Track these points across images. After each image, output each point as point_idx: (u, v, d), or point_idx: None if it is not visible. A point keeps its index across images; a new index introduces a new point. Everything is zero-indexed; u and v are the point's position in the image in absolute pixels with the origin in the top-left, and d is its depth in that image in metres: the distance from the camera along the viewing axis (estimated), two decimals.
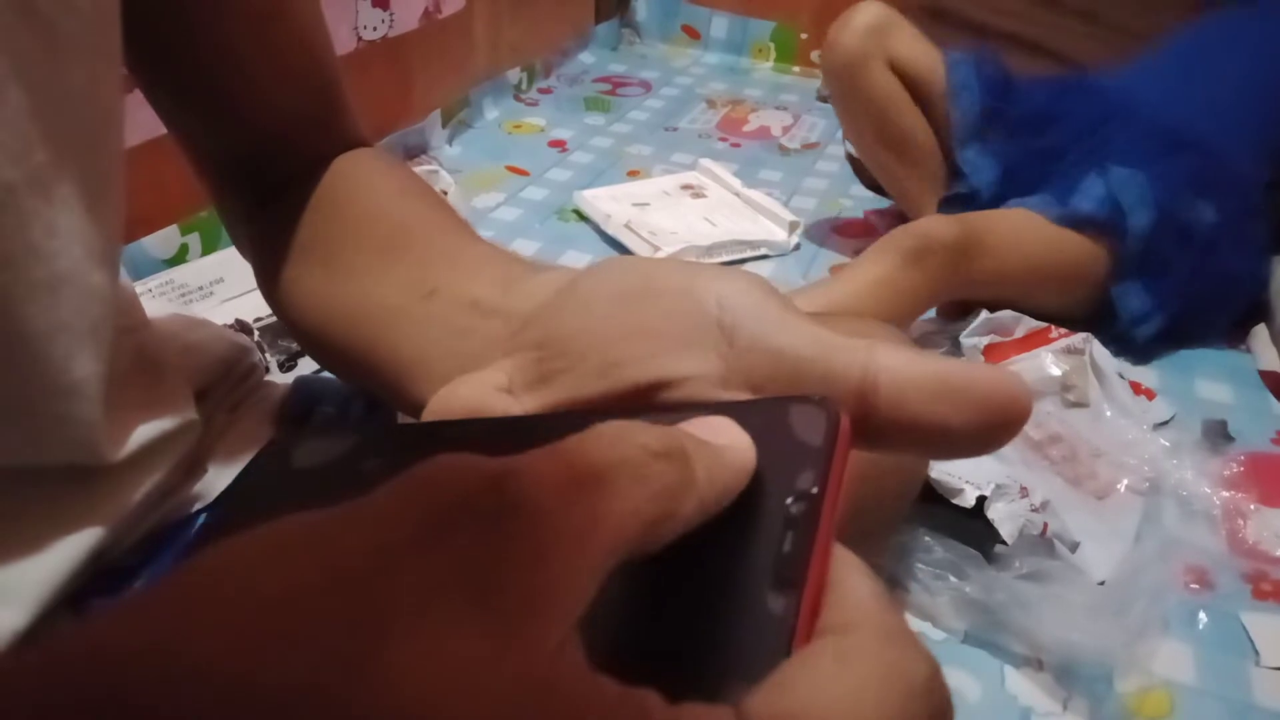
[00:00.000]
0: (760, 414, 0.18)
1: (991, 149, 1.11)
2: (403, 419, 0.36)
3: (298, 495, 0.21)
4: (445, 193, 1.12)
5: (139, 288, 1.01)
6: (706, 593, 0.17)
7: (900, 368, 0.18)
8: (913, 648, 0.16)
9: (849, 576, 0.17)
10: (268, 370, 0.52)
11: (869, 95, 1.10)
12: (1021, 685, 0.66)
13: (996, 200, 1.07)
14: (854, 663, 0.15)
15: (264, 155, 0.39)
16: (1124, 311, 1.00)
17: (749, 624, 0.16)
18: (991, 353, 0.90)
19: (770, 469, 0.17)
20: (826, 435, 0.17)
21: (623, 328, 0.21)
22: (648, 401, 0.20)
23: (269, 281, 0.39)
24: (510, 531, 0.13)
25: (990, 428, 0.17)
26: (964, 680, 0.67)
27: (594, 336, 0.21)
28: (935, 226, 0.93)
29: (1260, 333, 1.06)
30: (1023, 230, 1.00)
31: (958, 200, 1.11)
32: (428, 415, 0.23)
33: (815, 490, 0.17)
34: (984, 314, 0.92)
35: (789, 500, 0.17)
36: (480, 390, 0.23)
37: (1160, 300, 0.99)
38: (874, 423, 0.18)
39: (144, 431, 0.34)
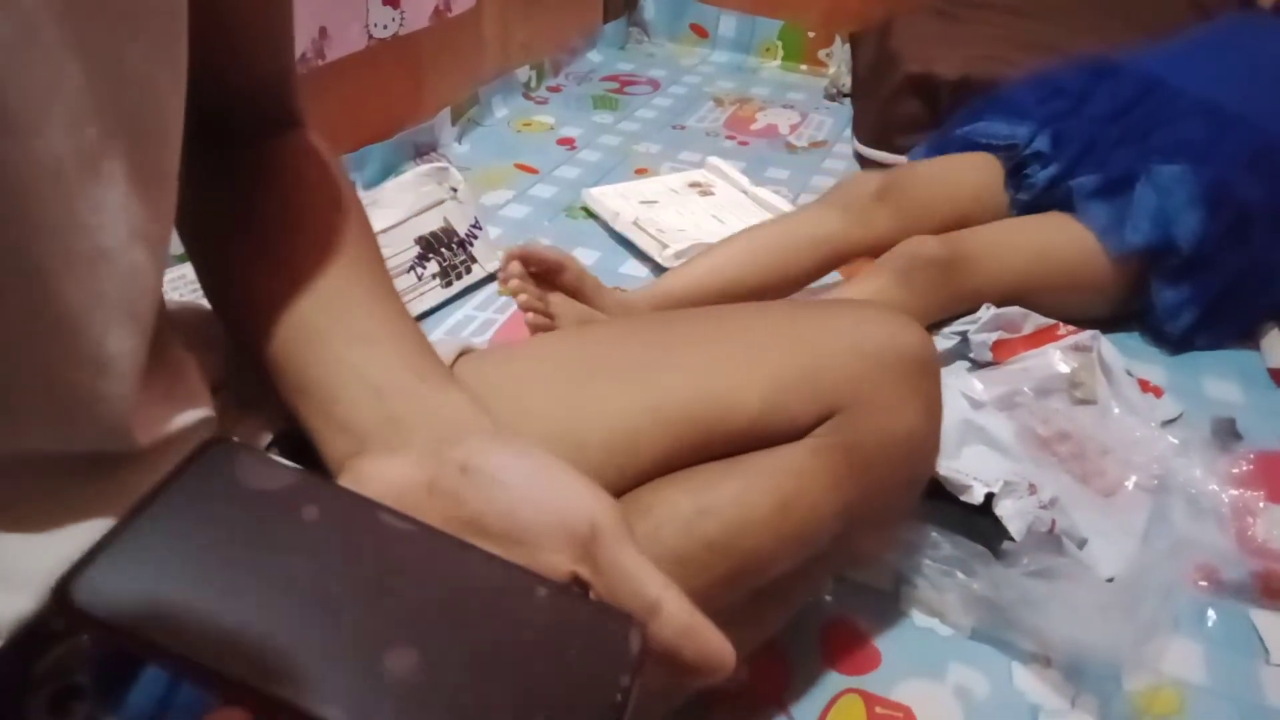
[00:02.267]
0: (605, 616, 0.26)
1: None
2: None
3: (238, 516, 0.25)
4: (455, 190, 1.12)
5: None
6: None
7: (661, 630, 0.27)
8: None
9: None
10: None
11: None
12: (1029, 682, 0.66)
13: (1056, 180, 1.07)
14: None
15: (209, 123, 0.39)
16: (1160, 305, 1.01)
17: None
18: (1000, 349, 0.89)
19: (599, 656, 0.24)
20: (640, 651, 0.25)
21: (521, 522, 0.28)
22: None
23: (198, 252, 0.39)
24: None
25: (687, 677, 0.27)
26: (972, 677, 0.67)
27: (501, 519, 0.28)
28: (922, 246, 0.98)
29: (1271, 330, 1.06)
30: (1013, 247, 1.01)
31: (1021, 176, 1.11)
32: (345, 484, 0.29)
33: (630, 688, 0.24)
34: (991, 309, 0.91)
35: (616, 694, 0.23)
36: (394, 490, 0.28)
37: (1197, 291, 1.00)
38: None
39: (165, 425, 0.34)
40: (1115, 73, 1.14)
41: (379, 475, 0.29)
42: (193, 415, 0.36)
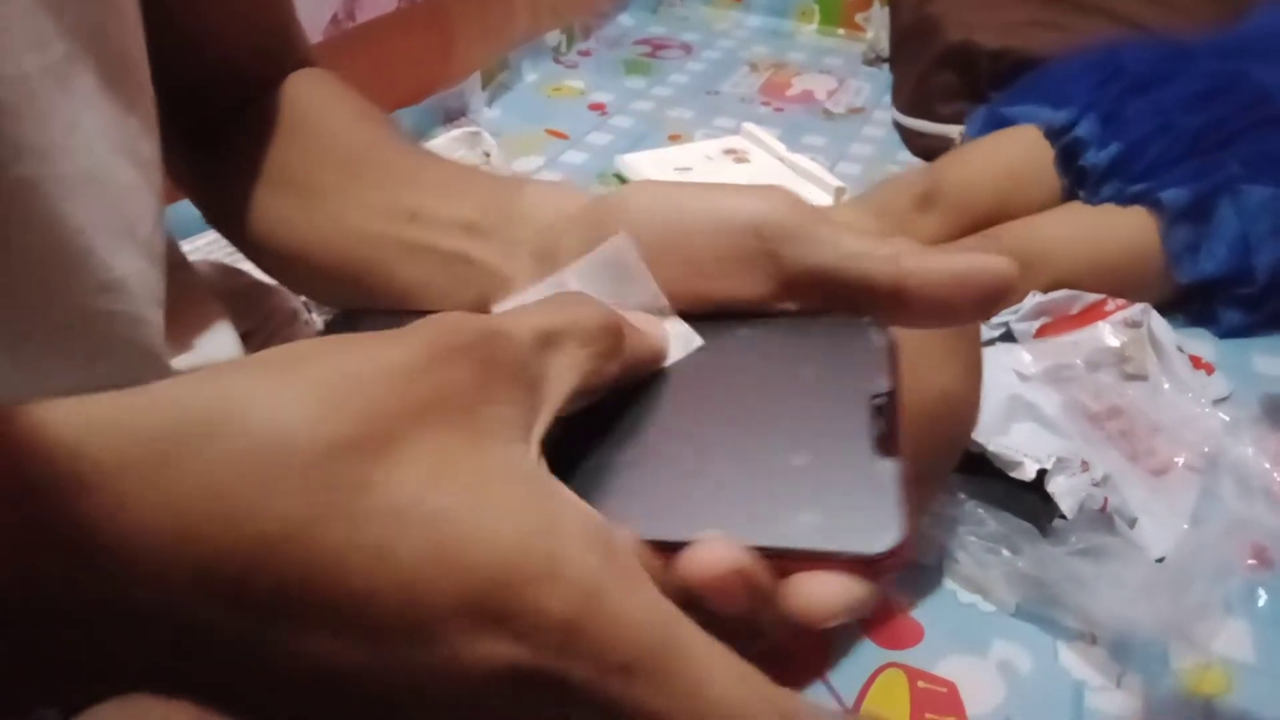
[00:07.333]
0: (824, 330, 0.23)
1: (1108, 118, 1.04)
2: None
3: None
4: (488, 155, 1.11)
5: (185, 246, 1.02)
6: (801, 457, 0.21)
7: (921, 268, 0.23)
8: None
9: None
10: (307, 325, 0.52)
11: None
12: (1074, 659, 0.66)
13: (1118, 164, 1.01)
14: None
15: (211, 82, 0.38)
16: (1223, 325, 0.98)
17: (861, 480, 0.20)
18: (1046, 332, 0.87)
19: (844, 374, 0.22)
20: (887, 345, 0.23)
21: (672, 262, 0.24)
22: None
23: (227, 212, 0.37)
24: (491, 375, 0.18)
25: (988, 305, 0.23)
26: (1015, 652, 0.66)
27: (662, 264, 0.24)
28: (968, 249, 0.94)
29: None
30: (1068, 252, 0.95)
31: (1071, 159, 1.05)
32: None
33: (892, 388, 0.22)
34: (1036, 296, 0.89)
35: (873, 397, 0.22)
36: None
37: (1265, 316, 0.97)
38: (903, 313, 0.23)
39: (195, 358, 0.34)
40: (1190, 56, 1.07)
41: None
42: (222, 354, 0.36)
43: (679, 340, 0.24)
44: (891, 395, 0.22)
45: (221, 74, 0.38)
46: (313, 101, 0.38)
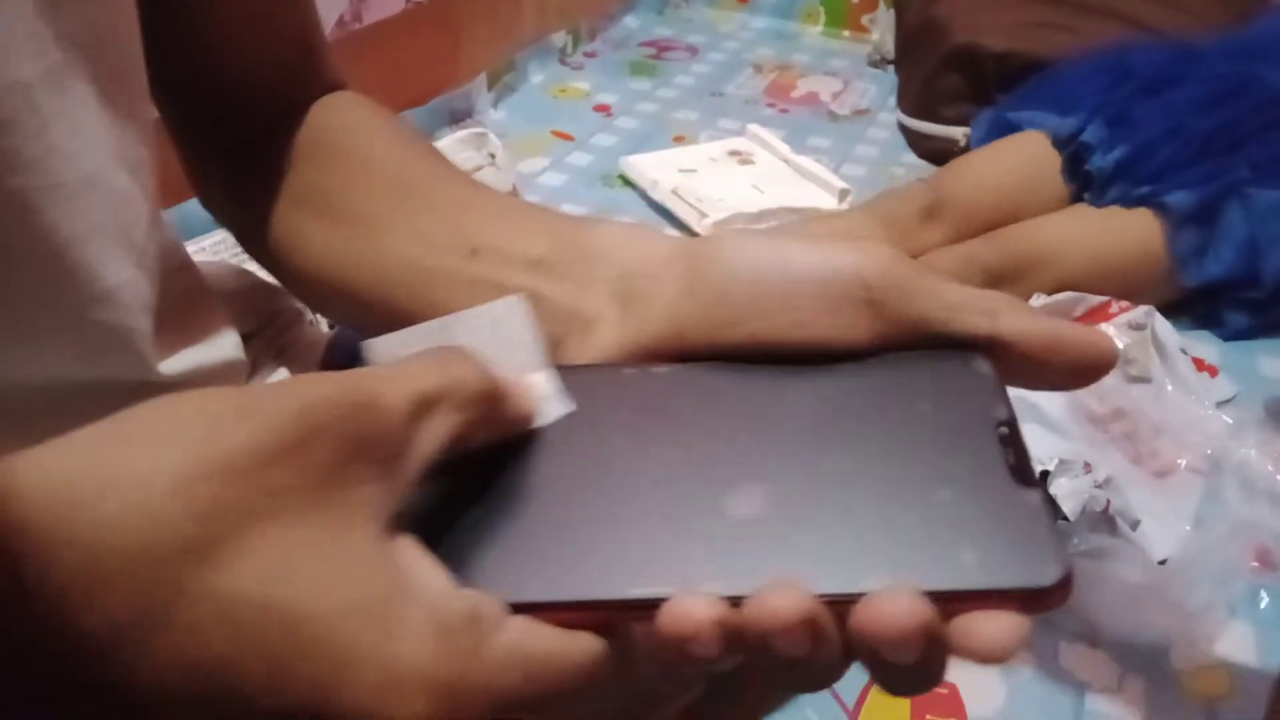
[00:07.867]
0: (929, 363, 0.23)
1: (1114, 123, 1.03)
2: None
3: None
4: (494, 156, 1.11)
5: (191, 246, 1.02)
6: (943, 493, 0.20)
7: (1018, 327, 0.23)
8: None
9: None
10: (312, 325, 0.52)
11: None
12: (1076, 661, 0.66)
13: (1125, 167, 1.00)
14: None
15: (240, 103, 0.37)
16: (1229, 327, 0.98)
17: (1012, 512, 0.20)
18: None
19: (962, 404, 0.22)
20: (995, 373, 0.23)
21: (774, 309, 0.24)
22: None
23: (257, 234, 0.36)
24: (354, 454, 0.18)
25: (1082, 376, 0.23)
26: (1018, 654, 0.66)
27: (748, 324, 0.24)
28: (976, 250, 0.94)
29: None
30: (1075, 251, 0.95)
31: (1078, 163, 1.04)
32: None
33: (1011, 416, 0.22)
34: (1041, 298, 0.89)
35: (997, 425, 0.22)
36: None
37: (1271, 320, 0.97)
38: (997, 366, 0.23)
39: (192, 356, 0.34)
40: (1200, 58, 1.07)
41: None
42: (219, 353, 0.36)
43: (551, 403, 0.23)
44: (1014, 422, 0.22)
45: (248, 88, 0.37)
46: (352, 126, 0.37)
